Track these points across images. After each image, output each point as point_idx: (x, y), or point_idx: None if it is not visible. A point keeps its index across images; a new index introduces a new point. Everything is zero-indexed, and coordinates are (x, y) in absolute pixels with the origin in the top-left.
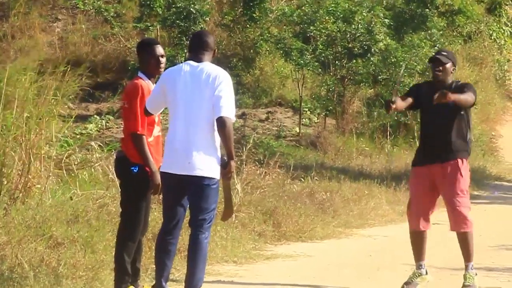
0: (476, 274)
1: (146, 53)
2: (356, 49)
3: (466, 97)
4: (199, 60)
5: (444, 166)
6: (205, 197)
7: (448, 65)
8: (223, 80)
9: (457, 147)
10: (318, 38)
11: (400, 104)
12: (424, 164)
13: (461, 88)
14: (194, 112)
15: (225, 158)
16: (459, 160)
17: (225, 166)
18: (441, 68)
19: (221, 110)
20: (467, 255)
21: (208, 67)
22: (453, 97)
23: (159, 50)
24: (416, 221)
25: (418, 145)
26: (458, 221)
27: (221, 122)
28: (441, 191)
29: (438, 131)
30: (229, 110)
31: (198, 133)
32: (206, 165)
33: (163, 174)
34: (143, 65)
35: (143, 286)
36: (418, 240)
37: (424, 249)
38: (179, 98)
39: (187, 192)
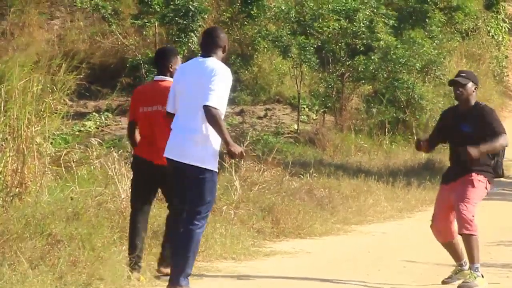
0: (481, 276)
1: (170, 62)
2: (358, 47)
3: (494, 146)
4: (206, 56)
5: (460, 179)
6: (200, 188)
7: (469, 85)
8: (218, 74)
9: (475, 166)
10: (318, 36)
11: (427, 145)
12: (447, 182)
13: (481, 117)
14: (192, 102)
15: (225, 151)
16: (474, 174)
17: (231, 155)
18: (461, 89)
19: (204, 99)
20: (470, 257)
21: (211, 61)
22: (479, 152)
23: (179, 60)
24: (440, 235)
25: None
26: (461, 223)
27: (205, 111)
28: (453, 199)
29: (460, 152)
30: (213, 99)
31: (195, 123)
32: (200, 155)
33: (166, 159)
34: (165, 71)
35: (140, 276)
36: (450, 248)
37: (460, 252)
38: (183, 90)
39: (185, 180)
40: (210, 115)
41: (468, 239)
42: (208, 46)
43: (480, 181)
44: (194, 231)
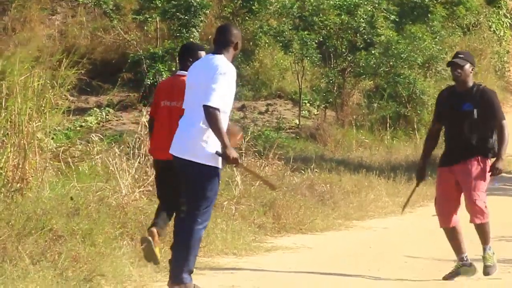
0: (494, 253)
1: (190, 57)
2: (359, 42)
3: (505, 142)
4: (217, 53)
5: (466, 163)
6: (198, 183)
7: (467, 66)
8: (221, 72)
9: (479, 147)
10: (319, 31)
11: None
12: (448, 164)
13: (485, 98)
14: (196, 99)
15: (220, 151)
16: (480, 158)
17: (225, 158)
18: (459, 70)
19: (205, 98)
20: (484, 240)
21: (217, 59)
22: (502, 163)
23: (203, 55)
24: (443, 218)
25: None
26: (475, 213)
27: (205, 111)
28: (462, 186)
29: (461, 134)
30: (213, 99)
31: (198, 121)
32: (200, 151)
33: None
34: (186, 66)
35: (157, 247)
36: (452, 236)
37: (461, 243)
38: (190, 86)
39: (186, 176)
40: (208, 115)
41: (481, 227)
42: (219, 43)
43: (484, 164)
44: (194, 227)
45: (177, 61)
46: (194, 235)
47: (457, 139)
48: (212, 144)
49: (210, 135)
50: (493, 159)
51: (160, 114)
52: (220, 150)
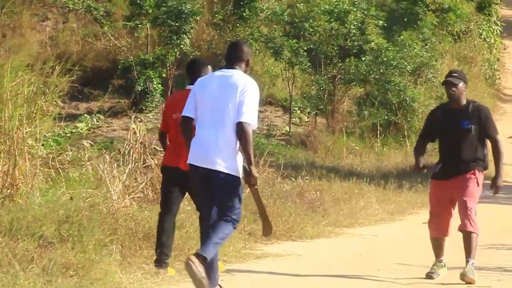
0: (474, 269)
1: (202, 72)
2: (350, 49)
3: (502, 157)
4: (230, 68)
5: (464, 175)
6: (228, 194)
7: (460, 85)
8: (249, 88)
9: (475, 162)
10: (309, 37)
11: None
12: (445, 178)
13: (481, 115)
14: (219, 114)
15: (246, 167)
16: (476, 171)
17: (247, 174)
18: (454, 88)
19: (241, 115)
20: (469, 251)
21: (237, 74)
22: (501, 181)
23: (210, 70)
24: (435, 230)
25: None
26: (468, 221)
27: (239, 128)
28: (456, 196)
29: (458, 149)
30: (249, 116)
31: (222, 134)
32: (226, 163)
33: (190, 166)
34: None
35: (169, 268)
36: (437, 244)
37: (443, 249)
38: (207, 101)
39: (213, 188)
40: (242, 131)
41: (470, 237)
42: (232, 59)
43: (480, 178)
44: (223, 223)
45: (187, 76)
46: (222, 229)
47: (456, 154)
48: (239, 156)
49: (236, 149)
50: (485, 171)
51: (171, 126)
52: (245, 165)
